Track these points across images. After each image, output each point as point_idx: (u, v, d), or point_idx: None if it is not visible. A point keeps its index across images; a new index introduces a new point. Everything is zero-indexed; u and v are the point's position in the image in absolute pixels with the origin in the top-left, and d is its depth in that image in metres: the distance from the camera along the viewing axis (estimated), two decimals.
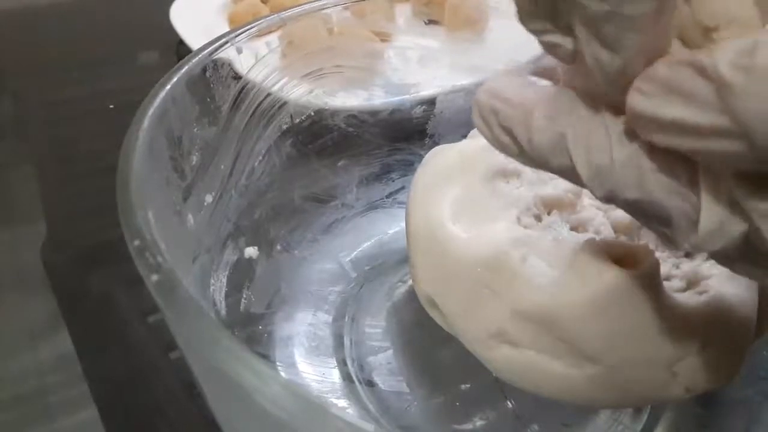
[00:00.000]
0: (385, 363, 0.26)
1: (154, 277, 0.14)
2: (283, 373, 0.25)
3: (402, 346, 0.27)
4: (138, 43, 0.61)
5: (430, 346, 0.26)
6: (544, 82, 0.14)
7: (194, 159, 0.23)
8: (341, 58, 0.32)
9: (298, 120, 0.31)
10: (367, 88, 0.33)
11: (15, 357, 0.30)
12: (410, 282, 0.26)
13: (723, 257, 0.12)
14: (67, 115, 0.49)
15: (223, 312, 0.24)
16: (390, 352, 0.26)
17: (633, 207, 0.13)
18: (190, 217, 0.22)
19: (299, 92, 0.30)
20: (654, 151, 0.12)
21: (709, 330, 0.18)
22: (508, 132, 0.14)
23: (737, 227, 0.11)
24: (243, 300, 0.27)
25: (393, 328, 0.27)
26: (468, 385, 0.24)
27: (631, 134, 0.12)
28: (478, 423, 0.23)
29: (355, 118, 0.33)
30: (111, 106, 0.48)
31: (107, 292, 0.32)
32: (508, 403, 0.24)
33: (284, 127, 0.30)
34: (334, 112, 0.32)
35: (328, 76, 0.32)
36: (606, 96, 0.12)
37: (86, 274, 0.34)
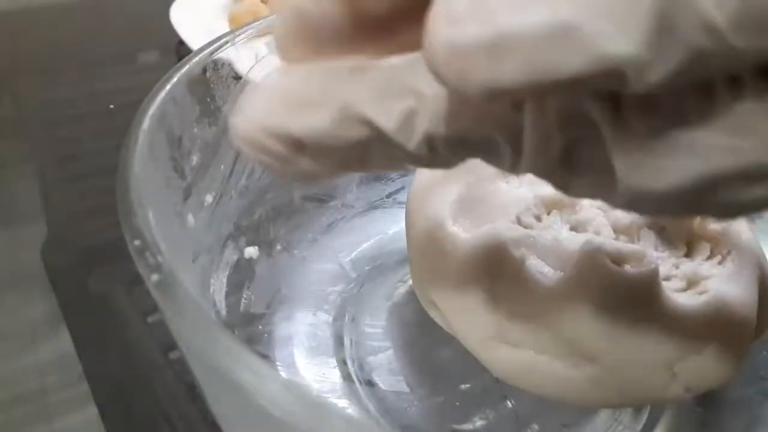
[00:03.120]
0: (385, 363, 0.26)
1: (154, 277, 0.14)
2: (283, 373, 0.25)
3: (402, 346, 0.27)
4: (138, 43, 0.61)
5: (430, 346, 0.26)
6: None
7: (194, 159, 0.23)
8: None
9: None
10: None
11: (15, 357, 0.30)
12: (410, 282, 0.26)
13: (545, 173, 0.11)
14: (67, 115, 0.49)
15: (223, 312, 0.24)
16: (390, 352, 0.26)
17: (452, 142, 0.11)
18: (190, 217, 0.22)
19: None
20: None
21: (709, 330, 0.18)
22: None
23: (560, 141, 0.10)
24: (243, 300, 0.27)
25: (393, 328, 0.27)
26: (468, 385, 0.24)
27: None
28: (478, 423, 0.23)
29: None
30: (111, 106, 0.48)
31: (107, 292, 0.32)
32: (508, 403, 0.24)
33: None
34: None
35: None
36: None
37: (86, 274, 0.34)
